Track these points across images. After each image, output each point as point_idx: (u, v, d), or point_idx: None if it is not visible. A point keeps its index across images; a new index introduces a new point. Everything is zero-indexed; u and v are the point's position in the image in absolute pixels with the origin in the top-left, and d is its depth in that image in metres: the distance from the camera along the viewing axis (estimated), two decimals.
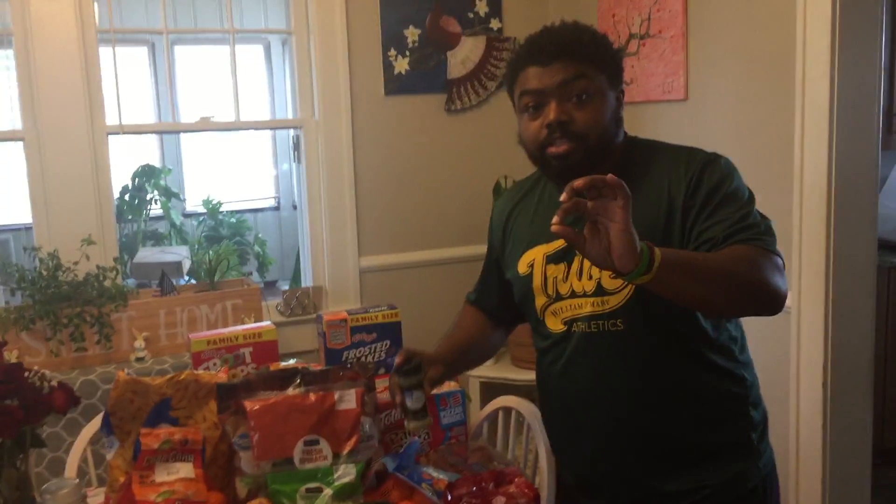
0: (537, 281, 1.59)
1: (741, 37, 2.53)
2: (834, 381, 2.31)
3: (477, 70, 3.37)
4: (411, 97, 3.28)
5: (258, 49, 7.08)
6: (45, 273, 2.61)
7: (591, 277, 1.51)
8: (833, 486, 2.36)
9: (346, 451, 1.64)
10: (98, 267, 2.71)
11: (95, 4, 2.95)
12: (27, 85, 2.84)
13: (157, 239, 6.35)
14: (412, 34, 3.27)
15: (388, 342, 2.10)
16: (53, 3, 2.82)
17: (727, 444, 1.53)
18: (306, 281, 3.36)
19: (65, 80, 2.85)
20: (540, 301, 1.60)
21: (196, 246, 6.23)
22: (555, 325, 1.58)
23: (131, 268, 5.60)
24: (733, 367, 1.55)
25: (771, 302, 1.38)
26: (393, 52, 3.25)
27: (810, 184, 2.28)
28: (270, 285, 6.28)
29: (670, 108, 2.84)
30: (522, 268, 1.63)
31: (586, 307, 1.53)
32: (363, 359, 2.06)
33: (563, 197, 1.20)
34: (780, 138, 2.40)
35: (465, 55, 3.35)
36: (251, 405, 1.64)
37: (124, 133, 2.98)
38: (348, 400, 1.68)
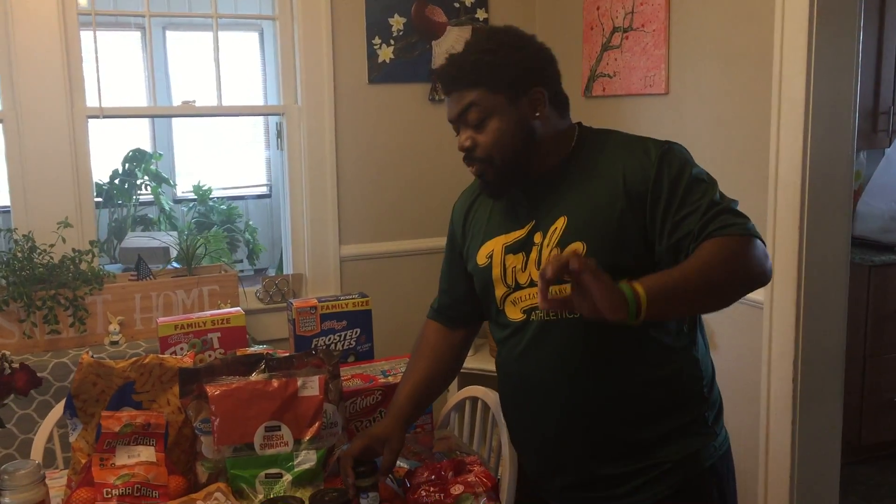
0: (496, 271, 1.61)
1: (721, 32, 2.53)
2: (805, 376, 2.32)
3: None
4: (395, 86, 3.27)
5: (253, 36, 7.06)
6: (19, 255, 2.60)
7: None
8: (801, 481, 2.36)
9: (307, 438, 1.64)
10: (74, 250, 2.70)
11: None
12: (6, 65, 2.82)
13: (147, 224, 6.34)
14: (397, 22, 3.26)
15: (359, 330, 2.11)
16: None
17: (683, 424, 1.54)
18: (287, 268, 3.36)
19: (45, 62, 2.84)
20: (499, 291, 1.61)
21: (186, 232, 6.21)
22: (514, 314, 1.59)
23: (119, 252, 5.59)
24: (690, 350, 1.56)
25: (760, 285, 1.45)
26: (378, 40, 3.24)
27: (785, 179, 2.28)
28: (261, 272, 6.27)
29: (651, 101, 2.84)
30: (481, 259, 1.64)
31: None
32: (333, 346, 2.07)
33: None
34: (757, 134, 2.40)
35: (450, 44, 3.33)
36: (213, 390, 1.64)
37: (104, 116, 2.97)
38: (311, 387, 1.68)
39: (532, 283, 1.55)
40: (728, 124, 2.53)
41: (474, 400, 2.04)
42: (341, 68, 3.21)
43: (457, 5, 3.35)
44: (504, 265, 1.60)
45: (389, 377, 1.92)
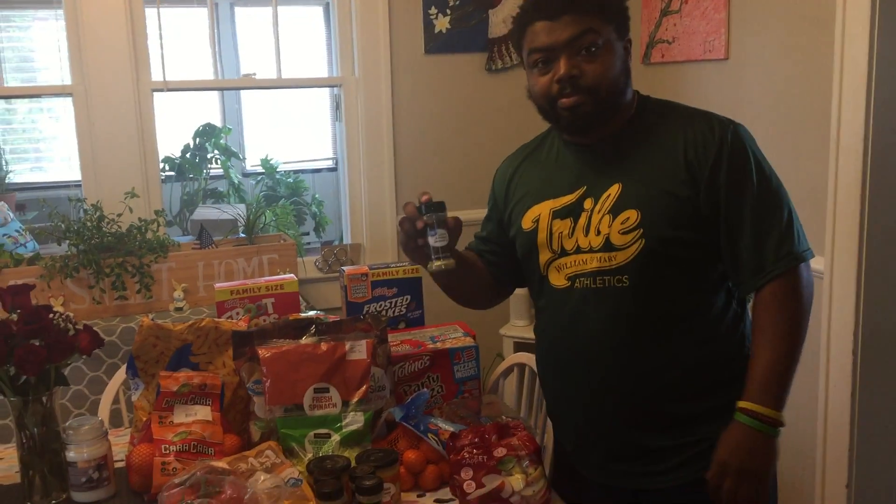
0: (542, 236, 1.59)
1: None
2: (865, 348, 2.26)
3: None
4: (452, 56, 3.27)
5: (318, 10, 7.13)
6: (89, 224, 2.71)
7: (598, 233, 1.52)
8: (861, 456, 2.31)
9: (355, 400, 1.68)
10: (140, 219, 2.80)
11: None
12: (75, 42, 2.93)
13: (217, 197, 6.50)
14: None
15: (409, 297, 2.14)
16: None
17: (728, 401, 1.51)
18: (346, 238, 3.42)
19: (111, 38, 2.93)
20: (544, 256, 1.60)
21: (254, 205, 6.35)
22: (558, 280, 1.58)
23: (189, 224, 5.75)
24: (738, 326, 1.55)
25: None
26: (434, 10, 3.24)
27: (847, 145, 2.21)
28: (328, 244, 6.38)
29: (711, 67, 2.78)
30: (527, 223, 1.62)
31: (592, 262, 1.52)
32: (384, 313, 2.10)
33: None
34: (819, 99, 2.33)
35: (507, 13, 3.31)
36: (264, 352, 1.69)
37: (168, 90, 3.06)
38: (359, 350, 1.72)
39: (578, 250, 1.54)
40: (789, 89, 2.47)
41: (522, 366, 2.06)
42: (398, 39, 3.23)
43: None
44: (550, 230, 1.58)
45: (438, 343, 1.94)
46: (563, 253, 1.56)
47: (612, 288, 1.51)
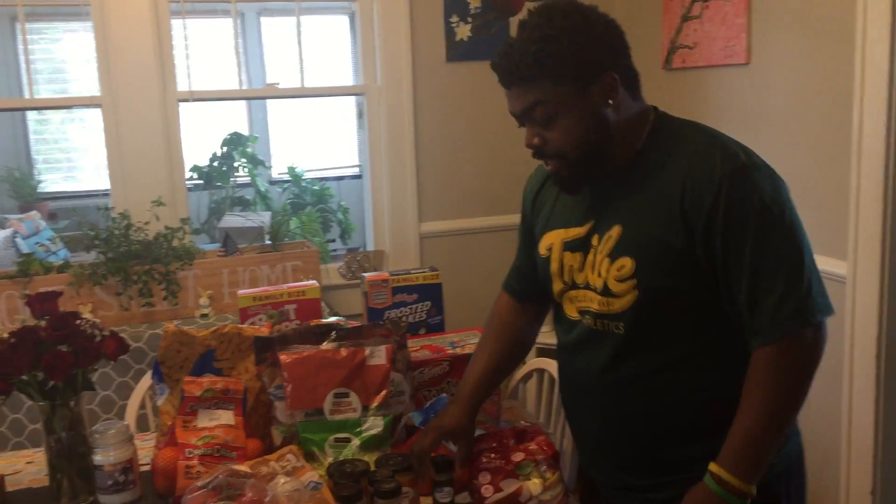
0: (555, 266, 1.54)
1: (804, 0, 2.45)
2: (889, 352, 2.24)
3: None
4: (473, 63, 3.30)
5: (344, 19, 7.20)
6: (116, 232, 2.76)
7: (599, 275, 1.45)
8: (886, 462, 2.29)
9: (374, 405, 1.70)
10: (166, 227, 2.85)
11: None
12: (104, 54, 2.99)
13: (244, 205, 6.57)
14: (474, 0, 3.28)
15: (430, 303, 2.16)
16: None
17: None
18: (369, 245, 3.45)
19: (138, 49, 2.99)
20: (557, 286, 1.55)
21: (280, 213, 6.42)
22: (570, 311, 1.54)
23: (217, 232, 5.82)
24: (739, 370, 1.40)
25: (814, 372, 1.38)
26: (455, 18, 3.27)
27: (868, 149, 2.20)
28: (354, 251, 6.42)
29: (732, 72, 2.77)
30: (542, 249, 1.58)
31: (594, 303, 1.47)
32: (404, 319, 2.12)
33: None
34: (840, 102, 2.32)
35: None
36: (285, 358, 1.72)
37: (194, 100, 3.11)
38: (378, 356, 1.74)
39: (587, 286, 1.48)
40: (810, 93, 2.46)
41: (541, 372, 2.07)
42: (419, 47, 3.26)
43: None
44: (562, 261, 1.53)
45: (457, 348, 1.96)
46: (574, 286, 1.51)
47: (609, 332, 1.45)
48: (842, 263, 2.33)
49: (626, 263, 1.39)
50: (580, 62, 1.35)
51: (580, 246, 1.49)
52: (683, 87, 3.01)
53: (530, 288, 1.69)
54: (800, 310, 1.32)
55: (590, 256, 1.47)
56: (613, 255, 1.41)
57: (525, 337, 1.77)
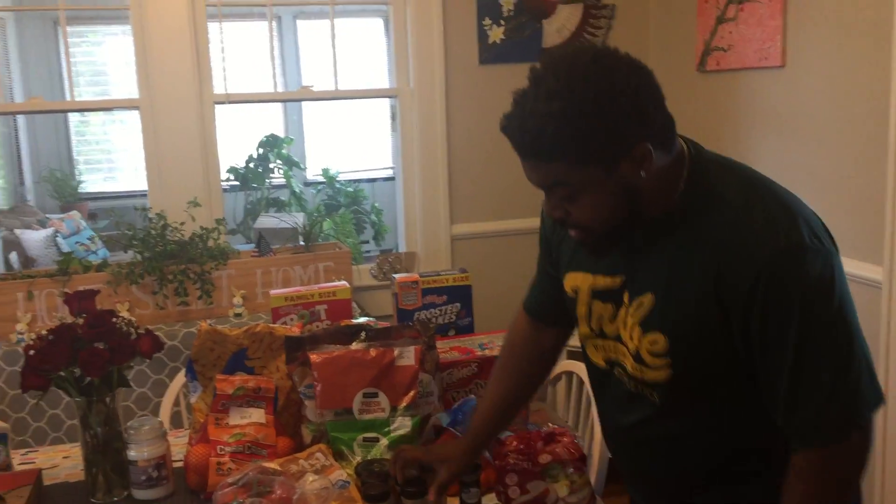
0: (581, 310, 1.42)
1: (841, 1, 2.42)
2: None
3: (573, 38, 3.35)
4: (506, 66, 3.30)
5: (379, 22, 7.24)
6: (153, 232, 2.81)
7: (631, 338, 1.32)
8: None
9: (403, 405, 1.72)
10: (202, 228, 2.90)
11: None
12: (142, 57, 3.04)
13: (279, 206, 6.65)
14: (507, 3, 3.28)
15: (459, 305, 2.17)
16: None
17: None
18: (401, 246, 3.47)
19: (176, 52, 3.04)
20: (583, 330, 1.44)
21: (315, 214, 6.49)
22: (596, 357, 1.44)
23: (252, 232, 5.90)
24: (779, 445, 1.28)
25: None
26: (488, 20, 3.28)
27: None
28: (387, 252, 6.46)
29: (767, 75, 2.75)
30: (567, 287, 1.45)
31: (627, 363, 1.35)
32: (433, 320, 2.14)
33: None
34: (876, 105, 2.29)
35: (561, 23, 3.33)
36: (316, 357, 1.74)
37: (230, 102, 3.16)
38: (407, 356, 1.75)
39: (618, 339, 1.36)
40: (846, 95, 2.43)
41: (570, 374, 2.07)
42: (452, 50, 3.27)
43: None
44: (590, 308, 1.40)
45: (486, 350, 1.96)
46: (603, 335, 1.39)
47: (643, 397, 1.35)
48: (877, 268, 2.29)
49: (659, 340, 1.27)
50: (607, 140, 1.16)
51: (611, 297, 1.35)
52: (718, 90, 2.99)
53: (553, 309, 1.56)
54: (847, 410, 1.18)
55: (621, 312, 1.33)
56: (645, 327, 1.28)
57: (543, 363, 1.66)
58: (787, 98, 2.66)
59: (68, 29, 3.21)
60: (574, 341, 2.03)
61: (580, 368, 2.03)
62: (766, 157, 2.78)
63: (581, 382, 2.02)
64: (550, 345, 1.64)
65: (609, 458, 1.78)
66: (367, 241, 6.48)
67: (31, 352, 1.59)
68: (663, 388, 1.30)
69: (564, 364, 2.08)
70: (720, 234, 1.20)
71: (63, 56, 6.37)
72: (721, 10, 2.92)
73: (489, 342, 2.02)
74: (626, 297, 1.32)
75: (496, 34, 3.29)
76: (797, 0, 2.60)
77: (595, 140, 1.15)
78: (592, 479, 1.70)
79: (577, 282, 1.42)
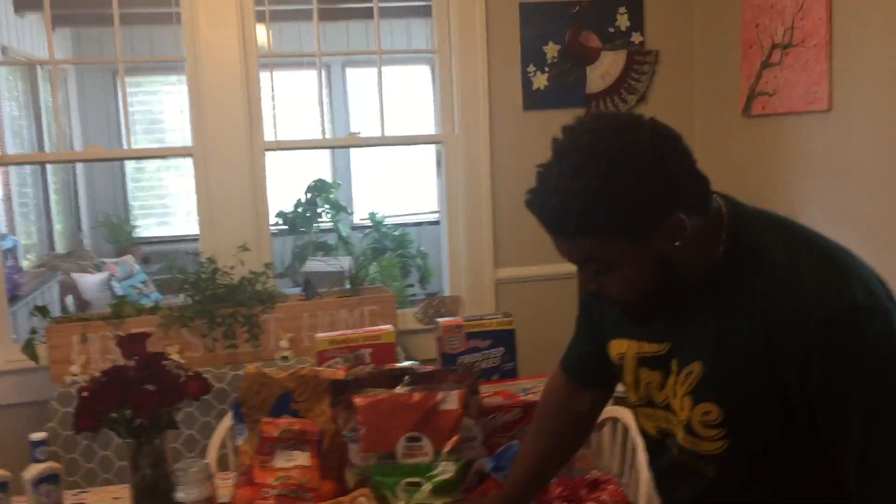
0: (628, 378, 1.39)
1: (887, 43, 2.40)
2: None
3: (617, 84, 3.37)
4: (550, 112, 3.33)
5: (426, 69, 7.38)
6: (204, 276, 2.87)
7: (682, 408, 1.27)
8: None
9: (446, 450, 1.71)
10: (251, 272, 2.95)
11: (268, 30, 3.22)
12: (197, 105, 3.14)
13: (327, 250, 6.74)
14: (551, 50, 3.32)
15: (503, 349, 2.17)
16: (220, 31, 3.10)
17: None
18: (445, 290, 3.49)
19: (228, 101, 3.13)
20: (631, 398, 1.40)
21: (361, 257, 6.57)
22: (647, 426, 1.40)
23: (300, 276, 5.98)
24: None
25: None
26: (532, 67, 3.32)
27: None
28: (432, 296, 6.49)
29: (813, 119, 2.73)
30: (612, 354, 1.42)
31: (679, 433, 1.30)
32: (477, 364, 2.14)
33: None
34: None
35: (604, 69, 3.36)
36: (360, 401, 1.75)
37: (280, 149, 3.24)
38: (451, 401, 1.75)
39: (668, 408, 1.31)
40: (895, 139, 2.40)
41: (615, 421, 2.05)
42: (497, 97, 3.32)
43: (612, 30, 3.36)
44: (637, 376, 1.36)
45: (530, 395, 1.96)
46: (652, 404, 1.35)
47: (697, 472, 1.29)
48: None
49: (712, 410, 1.22)
50: (635, 215, 1.13)
51: (658, 365, 1.31)
52: (764, 135, 2.97)
53: (592, 370, 1.53)
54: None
55: (670, 380, 1.29)
56: (696, 397, 1.24)
57: (578, 426, 1.63)
58: (835, 142, 2.64)
59: (126, 79, 3.33)
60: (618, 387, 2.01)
61: (625, 415, 2.01)
62: (813, 202, 2.75)
63: (626, 429, 1.99)
64: (586, 408, 1.61)
65: None
66: (413, 285, 6.52)
67: (85, 393, 1.63)
68: (719, 462, 1.25)
69: (609, 410, 2.06)
70: (767, 299, 1.15)
71: (121, 105, 6.59)
72: (766, 55, 2.92)
73: (533, 387, 2.01)
74: (674, 365, 1.28)
75: (540, 81, 3.33)
76: (843, 44, 2.59)
77: (623, 216, 1.13)
78: None
79: (622, 349, 1.38)
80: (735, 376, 1.18)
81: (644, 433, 1.42)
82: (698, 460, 1.27)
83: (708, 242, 1.21)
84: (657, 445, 1.38)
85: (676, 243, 1.16)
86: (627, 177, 1.12)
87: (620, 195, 1.12)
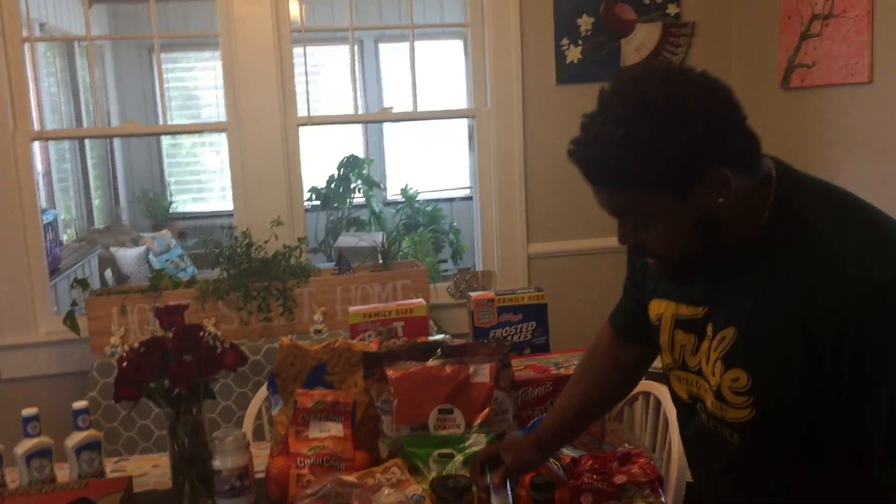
0: (664, 339, 1.38)
1: None
2: None
3: (652, 57, 3.33)
4: (583, 86, 3.30)
5: (459, 43, 7.35)
6: (238, 250, 2.91)
7: (713, 373, 1.26)
8: None
9: (478, 422, 1.73)
10: (285, 246, 2.98)
11: (300, 5, 3.23)
12: (231, 81, 3.17)
13: (360, 225, 6.77)
14: (585, 22, 3.29)
15: (535, 323, 2.17)
16: (254, 6, 3.12)
17: None
18: (478, 265, 3.49)
19: (262, 76, 3.15)
20: (665, 359, 1.40)
21: (394, 233, 6.59)
22: (680, 390, 1.39)
23: (333, 251, 6.02)
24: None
25: None
26: (566, 41, 3.29)
27: None
28: (465, 271, 6.50)
29: (853, 91, 2.68)
30: (652, 315, 1.42)
31: (708, 399, 1.29)
32: (509, 338, 2.15)
33: None
34: None
35: (639, 42, 3.32)
36: (392, 373, 1.77)
37: (312, 124, 3.25)
38: (482, 374, 1.77)
39: (700, 373, 1.30)
40: None
41: (647, 395, 2.05)
42: (530, 70, 3.30)
43: (647, 2, 3.32)
44: (672, 338, 1.35)
45: (561, 369, 1.96)
46: (685, 367, 1.34)
47: (723, 439, 1.28)
48: None
49: (742, 377, 1.20)
50: (676, 167, 1.11)
51: (693, 328, 1.30)
52: (802, 107, 2.92)
53: (637, 328, 1.51)
54: None
55: (704, 344, 1.28)
56: (727, 362, 1.23)
57: (621, 377, 1.63)
58: (876, 115, 2.59)
59: (161, 56, 3.36)
60: (657, 362, 2.01)
61: (657, 389, 2.01)
62: (853, 175, 2.71)
63: (658, 403, 1.99)
64: (632, 361, 1.60)
65: (687, 481, 1.76)
66: (445, 261, 6.53)
67: (124, 363, 1.66)
68: (744, 431, 1.24)
69: (642, 384, 2.05)
70: (807, 268, 1.12)
71: (157, 81, 6.66)
72: (805, 26, 2.87)
73: (564, 361, 2.02)
74: (709, 330, 1.26)
75: (574, 54, 3.30)
76: (885, 15, 2.53)
77: (663, 167, 1.11)
78: (669, 501, 1.68)
79: (660, 309, 1.38)
80: (768, 344, 1.17)
81: (676, 397, 1.42)
82: (725, 427, 1.27)
83: (754, 205, 1.18)
84: (688, 410, 1.38)
85: (720, 200, 1.13)
86: (668, 128, 1.09)
87: (662, 146, 1.09)
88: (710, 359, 1.26)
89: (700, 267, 1.23)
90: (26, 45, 3.09)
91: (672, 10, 3.33)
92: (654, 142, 1.09)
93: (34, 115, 3.17)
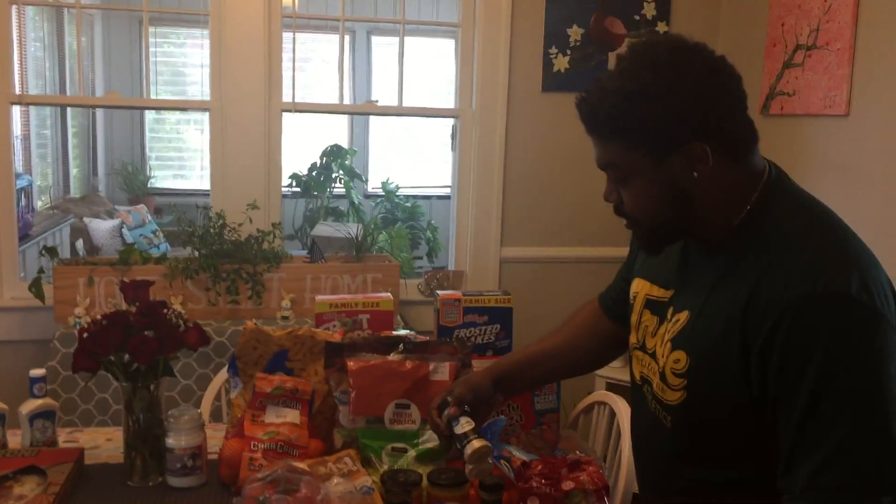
0: (634, 317, 1.44)
1: None
2: None
3: None
4: (568, 95, 3.24)
5: (450, 42, 7.36)
6: (212, 230, 2.90)
7: (662, 354, 1.31)
8: None
9: None
10: (258, 230, 2.98)
11: None
12: (217, 61, 3.16)
13: (338, 216, 6.76)
14: (575, 33, 3.32)
15: (499, 326, 2.18)
16: None
17: None
18: (451, 265, 3.51)
19: (249, 58, 3.15)
20: (631, 339, 1.45)
21: (372, 226, 6.58)
22: (635, 370, 1.44)
23: (309, 239, 6.01)
24: None
25: None
26: (554, 49, 3.31)
27: None
28: (437, 271, 6.51)
29: (830, 122, 2.73)
30: (630, 292, 1.47)
31: (655, 380, 1.34)
32: (472, 339, 2.16)
33: None
34: None
35: None
36: (353, 364, 1.78)
37: (297, 111, 3.25)
38: (442, 372, 1.78)
39: (654, 356, 1.35)
40: None
41: (603, 405, 2.07)
42: (516, 75, 3.32)
43: (637, 17, 3.35)
44: (640, 317, 1.41)
45: None
46: (643, 348, 1.39)
47: (659, 421, 1.33)
48: None
49: (682, 358, 1.25)
50: (658, 129, 1.17)
51: (658, 310, 1.36)
52: (780, 134, 2.97)
53: (620, 306, 1.58)
54: (846, 480, 1.04)
55: (662, 327, 1.33)
56: (674, 343, 1.28)
57: (594, 343, 1.69)
58: (851, 147, 2.63)
59: (153, 30, 3.34)
60: (613, 373, 2.02)
61: (613, 400, 2.04)
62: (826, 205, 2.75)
63: (612, 414, 2.02)
64: (607, 333, 1.66)
65: (633, 492, 1.79)
66: (421, 258, 6.54)
67: (85, 335, 1.66)
68: (676, 413, 1.29)
69: (599, 394, 2.09)
70: (762, 265, 1.16)
71: (144, 55, 6.60)
72: (789, 55, 2.91)
73: None
74: (669, 313, 1.32)
75: (561, 63, 3.32)
76: (866, 50, 2.58)
77: (646, 126, 1.17)
78: None
79: (637, 288, 1.45)
80: (711, 331, 1.21)
81: (632, 378, 1.47)
82: (662, 409, 1.32)
83: (736, 196, 1.23)
84: (639, 395, 1.42)
85: (695, 174, 1.19)
86: (660, 91, 1.16)
87: (648, 105, 1.16)
88: (664, 340, 1.31)
89: (669, 239, 1.30)
90: (13, 7, 3.06)
91: (661, 27, 3.37)
92: (642, 99, 1.16)
93: (16, 77, 3.14)
